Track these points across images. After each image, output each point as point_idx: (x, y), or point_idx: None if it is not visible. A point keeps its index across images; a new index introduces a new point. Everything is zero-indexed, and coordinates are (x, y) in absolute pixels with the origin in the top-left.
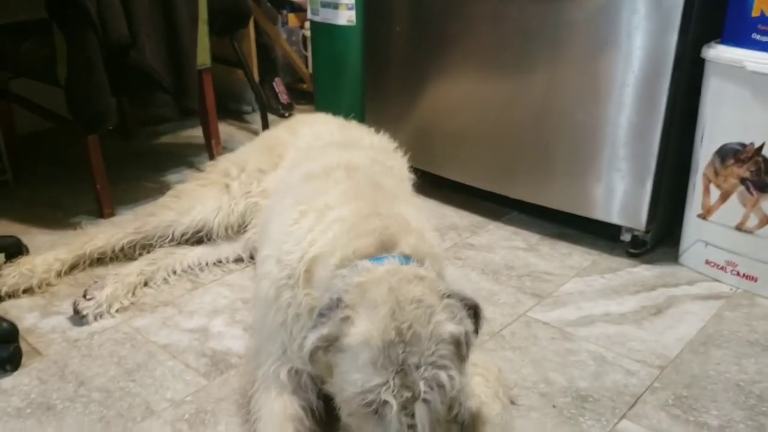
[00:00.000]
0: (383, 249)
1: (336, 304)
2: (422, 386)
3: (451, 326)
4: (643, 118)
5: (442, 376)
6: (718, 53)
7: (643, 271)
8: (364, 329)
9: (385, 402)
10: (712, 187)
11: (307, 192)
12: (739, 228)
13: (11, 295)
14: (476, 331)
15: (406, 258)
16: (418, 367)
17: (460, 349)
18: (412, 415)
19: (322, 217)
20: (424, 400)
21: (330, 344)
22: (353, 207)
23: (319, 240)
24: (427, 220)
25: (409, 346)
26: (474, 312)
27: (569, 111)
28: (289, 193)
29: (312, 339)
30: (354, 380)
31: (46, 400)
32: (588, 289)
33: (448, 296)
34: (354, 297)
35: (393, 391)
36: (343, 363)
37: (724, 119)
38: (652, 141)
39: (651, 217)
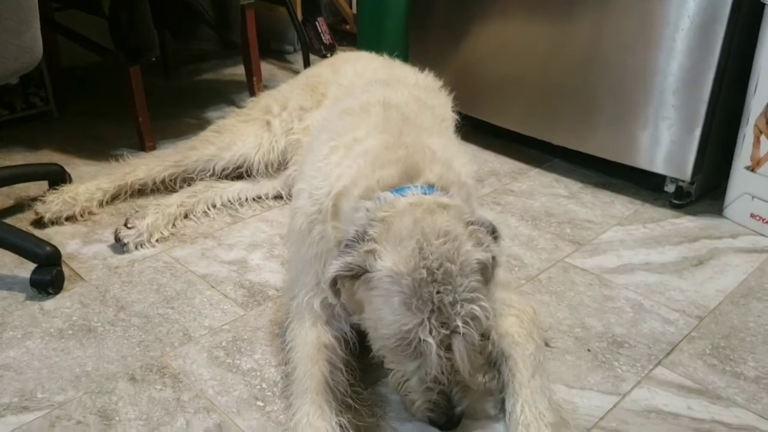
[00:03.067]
0: (407, 178)
1: (361, 236)
2: (459, 322)
3: (479, 254)
4: (696, 65)
5: (477, 309)
6: None
7: (686, 223)
8: (391, 264)
9: (424, 341)
10: (763, 138)
11: (340, 127)
12: None
13: (54, 222)
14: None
15: (430, 187)
16: (453, 304)
17: (486, 274)
18: (448, 347)
19: (350, 151)
20: (462, 335)
21: (353, 274)
22: (379, 139)
23: (344, 174)
24: (460, 151)
25: (442, 285)
26: (494, 234)
27: (617, 56)
28: (325, 129)
29: (336, 266)
30: (389, 321)
31: (87, 322)
32: (629, 238)
33: (472, 223)
34: (379, 231)
35: (431, 331)
36: (375, 301)
37: None
38: (703, 89)
39: (697, 168)
